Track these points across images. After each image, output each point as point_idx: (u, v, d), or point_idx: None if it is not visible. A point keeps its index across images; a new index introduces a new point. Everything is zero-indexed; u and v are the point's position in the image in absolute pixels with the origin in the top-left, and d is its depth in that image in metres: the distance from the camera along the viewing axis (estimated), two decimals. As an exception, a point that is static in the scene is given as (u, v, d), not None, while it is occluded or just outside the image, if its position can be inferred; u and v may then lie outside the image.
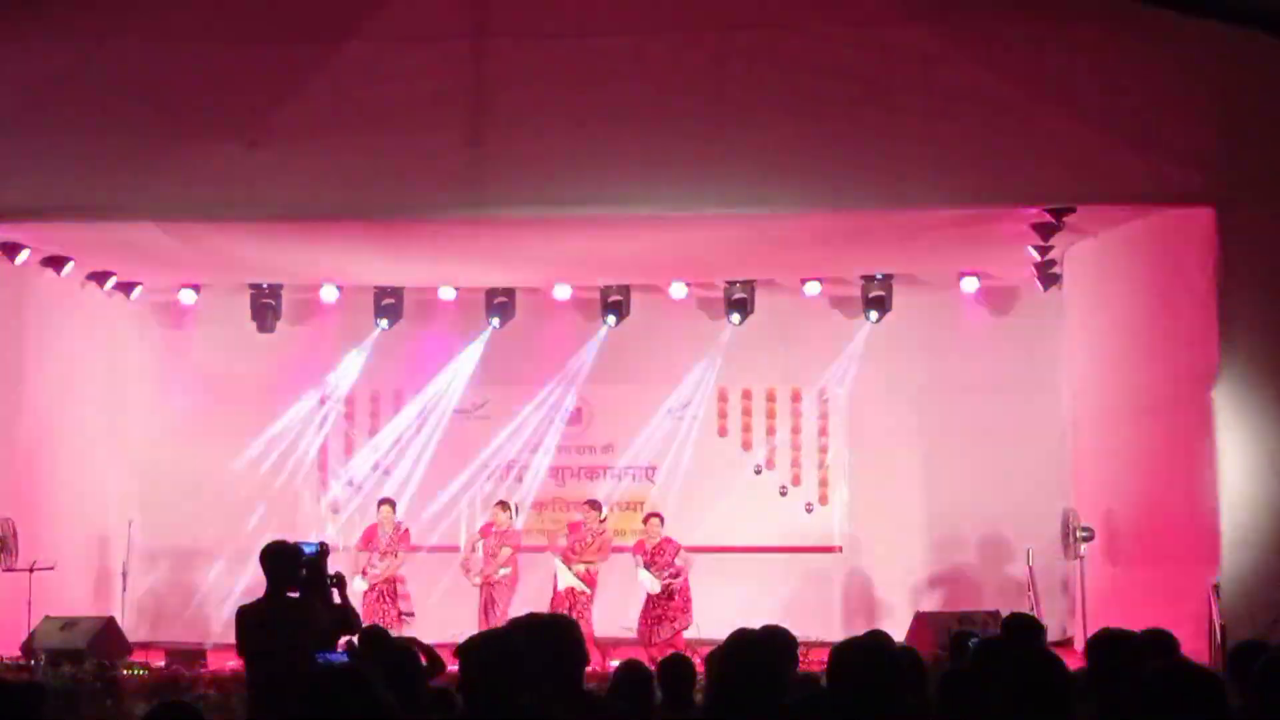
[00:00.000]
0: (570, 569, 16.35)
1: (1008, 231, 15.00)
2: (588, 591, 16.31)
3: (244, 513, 17.83)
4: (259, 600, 8.94)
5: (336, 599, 9.26)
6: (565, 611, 15.49)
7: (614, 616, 16.50)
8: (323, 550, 9.38)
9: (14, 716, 4.76)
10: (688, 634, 15.91)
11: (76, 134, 13.09)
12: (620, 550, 16.88)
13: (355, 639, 8.93)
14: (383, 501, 17.22)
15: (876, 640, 6.07)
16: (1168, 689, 4.87)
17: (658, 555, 16.38)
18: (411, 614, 16.79)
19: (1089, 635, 6.14)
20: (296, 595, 9.00)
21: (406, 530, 17.08)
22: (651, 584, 16.21)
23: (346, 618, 9.15)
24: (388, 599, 16.72)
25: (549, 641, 5.83)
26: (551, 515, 18.26)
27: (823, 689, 5.80)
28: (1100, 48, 12.87)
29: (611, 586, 16.61)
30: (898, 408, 18.36)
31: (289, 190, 13.14)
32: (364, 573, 16.66)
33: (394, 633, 15.41)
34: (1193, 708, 4.81)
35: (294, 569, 9.02)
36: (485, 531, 16.93)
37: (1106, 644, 5.98)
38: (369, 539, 16.93)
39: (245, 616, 8.97)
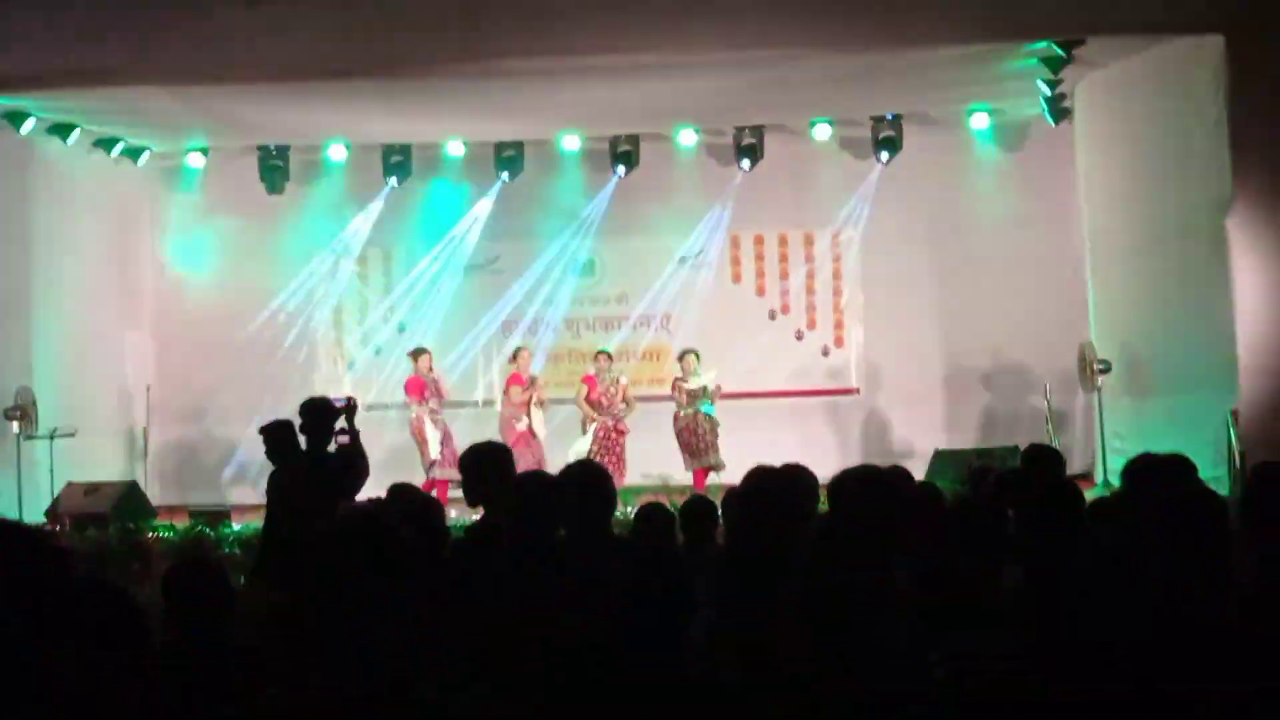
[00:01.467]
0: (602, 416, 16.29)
1: (1017, 66, 14.87)
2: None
3: (261, 374, 17.94)
4: (296, 458, 9.04)
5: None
6: (599, 455, 15.55)
7: (637, 465, 16.54)
8: (351, 406, 9.45)
9: (46, 577, 4.77)
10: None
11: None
12: (652, 399, 16.92)
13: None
14: (422, 351, 16.97)
15: (870, 467, 6.19)
16: (1175, 516, 5.06)
17: (717, 392, 16.36)
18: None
19: (1127, 461, 6.25)
20: (333, 450, 9.13)
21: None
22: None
23: (355, 461, 9.22)
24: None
25: (578, 484, 5.90)
26: (568, 367, 18.26)
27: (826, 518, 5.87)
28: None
29: (639, 436, 16.58)
30: (911, 248, 18.30)
31: (290, 48, 13.03)
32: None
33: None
34: (1197, 532, 5.04)
35: (330, 424, 9.13)
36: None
37: (1143, 469, 6.05)
38: (420, 387, 16.61)
39: (282, 474, 9.06)
